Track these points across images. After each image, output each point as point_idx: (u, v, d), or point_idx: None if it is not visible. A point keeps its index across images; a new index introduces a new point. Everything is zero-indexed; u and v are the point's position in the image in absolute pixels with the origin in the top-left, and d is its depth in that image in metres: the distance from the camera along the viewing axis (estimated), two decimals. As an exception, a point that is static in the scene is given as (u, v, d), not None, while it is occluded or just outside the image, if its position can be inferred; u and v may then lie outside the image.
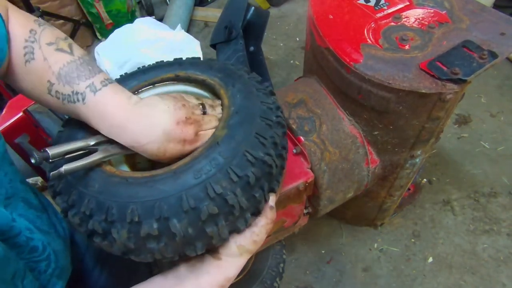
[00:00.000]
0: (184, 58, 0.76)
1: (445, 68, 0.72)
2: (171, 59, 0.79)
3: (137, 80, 0.73)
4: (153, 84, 0.73)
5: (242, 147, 0.53)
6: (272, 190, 0.58)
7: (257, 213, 0.56)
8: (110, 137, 0.53)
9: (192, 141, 0.55)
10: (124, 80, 0.74)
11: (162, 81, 0.73)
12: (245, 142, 0.54)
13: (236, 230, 0.55)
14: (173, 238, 0.49)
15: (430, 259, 1.36)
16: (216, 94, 0.67)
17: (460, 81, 0.70)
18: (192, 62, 0.74)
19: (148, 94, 0.73)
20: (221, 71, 0.68)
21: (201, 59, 0.77)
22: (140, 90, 0.73)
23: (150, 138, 0.52)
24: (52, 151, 0.50)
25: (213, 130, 0.58)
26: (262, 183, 0.55)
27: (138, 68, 0.78)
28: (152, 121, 0.52)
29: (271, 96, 0.65)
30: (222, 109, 0.62)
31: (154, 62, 0.78)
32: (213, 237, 0.52)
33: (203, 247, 0.52)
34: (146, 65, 0.78)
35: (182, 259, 0.56)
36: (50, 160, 0.49)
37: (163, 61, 0.78)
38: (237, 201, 0.51)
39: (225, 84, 0.66)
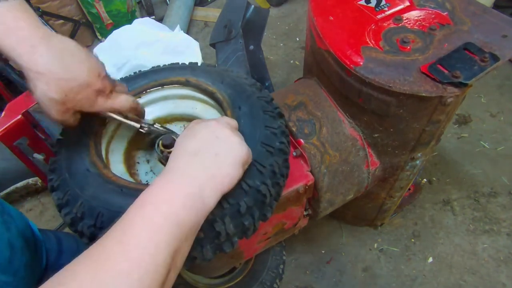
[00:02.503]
0: (199, 63, 0.76)
1: (446, 71, 0.72)
2: (173, 61, 0.79)
3: (148, 79, 0.74)
4: (162, 85, 0.74)
5: None
6: (264, 218, 0.58)
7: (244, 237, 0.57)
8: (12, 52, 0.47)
9: (106, 96, 0.57)
10: (135, 78, 0.75)
11: (172, 83, 0.73)
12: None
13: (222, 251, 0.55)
14: None
15: (430, 259, 1.36)
16: (223, 109, 0.68)
17: (461, 85, 0.70)
18: (206, 70, 0.75)
19: (155, 95, 0.74)
20: (232, 87, 0.68)
21: (215, 66, 0.77)
22: (148, 90, 0.74)
23: (73, 73, 0.50)
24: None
25: (127, 99, 0.61)
26: (253, 211, 0.55)
27: (152, 67, 0.78)
28: (78, 61, 0.51)
29: (278, 120, 0.64)
30: None
31: (168, 64, 0.79)
32: (197, 257, 0.53)
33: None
34: (161, 66, 0.78)
35: None
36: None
37: (178, 63, 0.78)
38: (224, 228, 0.52)
39: (232, 104, 0.66)
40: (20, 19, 0.48)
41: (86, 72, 0.52)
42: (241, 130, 0.59)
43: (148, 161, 0.73)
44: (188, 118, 0.78)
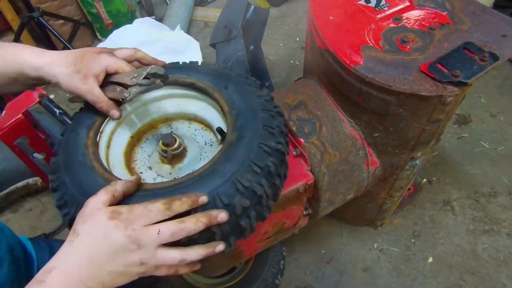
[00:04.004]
0: (199, 63, 0.76)
1: (445, 71, 0.72)
2: (174, 61, 0.79)
3: None
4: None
5: (233, 177, 0.54)
6: (262, 218, 0.58)
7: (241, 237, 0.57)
8: None
9: (108, 52, 0.67)
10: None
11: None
12: (238, 173, 0.54)
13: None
14: None
15: (430, 259, 1.36)
16: (209, 95, 0.70)
17: (460, 84, 0.70)
18: (179, 66, 0.76)
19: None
20: (240, 113, 0.65)
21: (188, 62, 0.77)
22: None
23: (71, 51, 0.66)
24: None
25: (126, 50, 0.69)
26: (249, 212, 0.55)
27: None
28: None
29: (279, 138, 0.63)
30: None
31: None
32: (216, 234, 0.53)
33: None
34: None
35: None
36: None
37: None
38: (219, 228, 0.52)
39: (217, 87, 0.68)
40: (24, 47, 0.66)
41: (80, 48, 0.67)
42: (238, 126, 0.61)
43: (148, 160, 0.73)
44: (172, 118, 0.79)
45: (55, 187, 0.58)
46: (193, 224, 0.49)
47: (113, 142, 0.70)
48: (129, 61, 0.70)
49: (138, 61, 0.72)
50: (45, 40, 1.94)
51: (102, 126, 0.68)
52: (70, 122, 0.68)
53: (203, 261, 0.53)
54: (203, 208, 0.51)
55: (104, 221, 0.47)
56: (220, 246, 0.52)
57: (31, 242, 0.79)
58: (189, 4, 2.31)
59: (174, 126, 0.79)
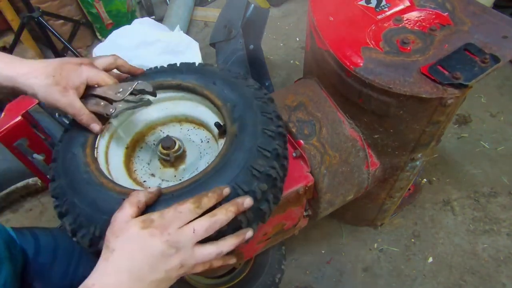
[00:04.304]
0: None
1: (446, 72, 0.72)
2: (173, 61, 0.79)
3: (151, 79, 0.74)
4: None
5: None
6: (277, 200, 0.60)
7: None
8: None
9: (89, 64, 0.66)
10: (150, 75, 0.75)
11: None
12: (250, 160, 0.56)
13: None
14: None
15: (430, 259, 1.36)
16: (197, 93, 0.72)
17: (461, 86, 0.70)
18: (162, 69, 0.76)
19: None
20: (236, 104, 0.66)
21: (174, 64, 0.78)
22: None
23: (49, 60, 0.63)
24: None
25: (106, 58, 0.69)
26: (267, 195, 0.57)
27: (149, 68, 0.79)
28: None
29: (277, 122, 0.64)
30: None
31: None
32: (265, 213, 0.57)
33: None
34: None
35: None
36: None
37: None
38: (245, 216, 0.54)
39: (205, 84, 0.70)
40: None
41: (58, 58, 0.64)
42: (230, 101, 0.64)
43: (148, 167, 0.73)
44: (162, 122, 0.79)
45: (64, 211, 0.56)
46: (224, 215, 0.50)
47: (110, 155, 0.69)
48: (109, 69, 0.69)
49: (117, 69, 0.71)
50: (45, 40, 1.93)
51: (97, 142, 0.66)
52: (60, 143, 0.67)
53: (234, 252, 0.55)
54: (226, 199, 0.53)
55: (138, 232, 0.47)
56: (249, 233, 0.54)
57: (15, 232, 0.79)
58: (189, 4, 2.31)
59: (166, 130, 0.79)
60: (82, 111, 0.63)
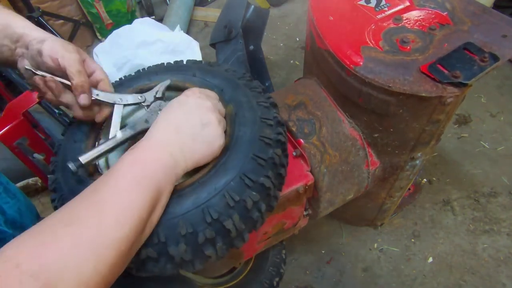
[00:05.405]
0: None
1: (446, 71, 0.72)
2: (170, 61, 0.79)
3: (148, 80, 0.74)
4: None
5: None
6: (270, 208, 0.59)
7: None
8: None
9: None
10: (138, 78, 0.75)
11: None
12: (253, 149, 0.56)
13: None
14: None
15: (430, 259, 1.36)
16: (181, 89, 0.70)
17: (461, 85, 0.70)
18: (150, 70, 0.76)
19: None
20: (223, 88, 0.67)
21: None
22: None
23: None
24: (84, 159, 0.55)
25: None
26: (259, 205, 0.56)
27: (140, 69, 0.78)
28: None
29: (270, 170, 0.61)
30: None
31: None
32: (211, 256, 0.54)
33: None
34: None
35: None
36: (84, 166, 0.55)
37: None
38: (234, 225, 0.53)
39: (184, 78, 0.70)
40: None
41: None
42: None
43: None
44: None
45: (52, 189, 0.57)
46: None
47: (111, 164, 0.68)
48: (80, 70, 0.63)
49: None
50: (45, 40, 1.94)
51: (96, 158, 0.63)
52: (63, 136, 0.66)
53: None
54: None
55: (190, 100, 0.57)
56: None
57: None
58: (189, 4, 2.31)
59: None
60: (83, 73, 0.59)
